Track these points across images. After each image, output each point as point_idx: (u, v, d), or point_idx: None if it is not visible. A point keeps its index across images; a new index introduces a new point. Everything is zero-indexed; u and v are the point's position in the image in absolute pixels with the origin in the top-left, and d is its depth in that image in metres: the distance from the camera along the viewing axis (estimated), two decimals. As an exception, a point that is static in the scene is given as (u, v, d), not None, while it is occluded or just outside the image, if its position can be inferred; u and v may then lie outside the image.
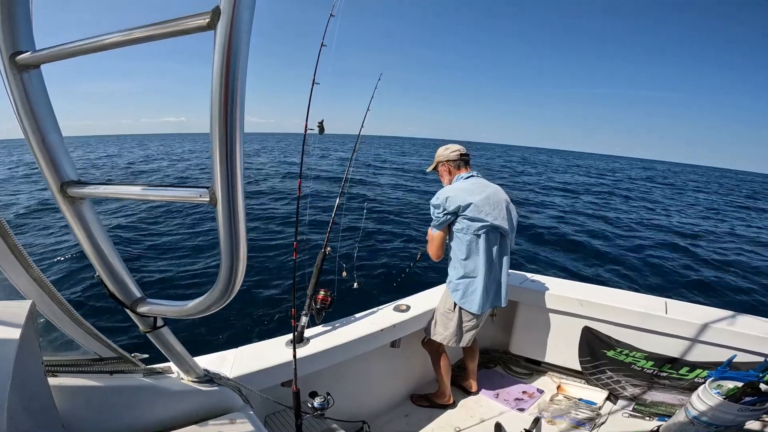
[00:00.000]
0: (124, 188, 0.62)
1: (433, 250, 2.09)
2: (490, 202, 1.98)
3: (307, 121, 1.48)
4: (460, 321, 2.10)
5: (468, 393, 2.41)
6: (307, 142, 1.68)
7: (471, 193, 1.97)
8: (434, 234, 2.06)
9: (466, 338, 2.13)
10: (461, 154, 2.10)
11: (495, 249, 2.01)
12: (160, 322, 0.92)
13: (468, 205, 1.93)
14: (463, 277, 2.03)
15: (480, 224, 1.94)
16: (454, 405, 2.28)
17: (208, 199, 0.53)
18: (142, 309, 0.80)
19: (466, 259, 2.00)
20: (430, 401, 2.32)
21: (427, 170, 2.25)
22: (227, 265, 0.59)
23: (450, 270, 2.09)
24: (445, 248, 2.11)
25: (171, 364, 1.12)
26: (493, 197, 2.01)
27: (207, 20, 0.44)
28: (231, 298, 0.65)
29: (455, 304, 2.06)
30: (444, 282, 2.19)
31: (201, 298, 0.68)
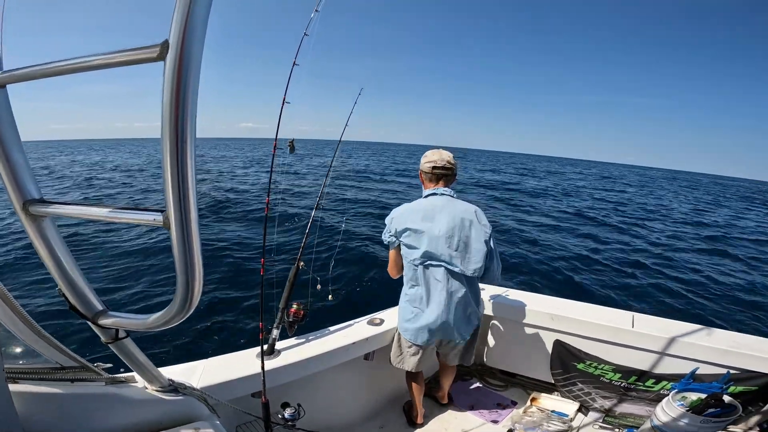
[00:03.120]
0: (83, 209, 0.66)
1: (388, 268, 2.05)
2: (430, 229, 1.80)
3: (276, 140, 1.52)
4: (400, 342, 2.07)
5: (440, 404, 2.42)
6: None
7: (414, 216, 1.83)
8: (389, 253, 2.00)
9: (410, 363, 2.03)
10: (434, 167, 1.90)
11: (436, 283, 1.86)
12: (122, 334, 0.95)
13: (404, 230, 1.84)
14: (406, 302, 1.98)
15: (414, 252, 1.83)
16: (422, 425, 2.26)
17: (161, 222, 0.55)
18: (104, 321, 0.82)
19: (408, 284, 1.95)
20: (408, 413, 2.34)
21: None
22: (183, 285, 0.62)
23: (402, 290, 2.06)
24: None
25: (135, 374, 1.15)
26: (442, 222, 1.80)
27: (157, 52, 0.47)
28: (189, 314, 0.68)
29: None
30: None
31: (160, 313, 0.70)
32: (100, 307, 0.84)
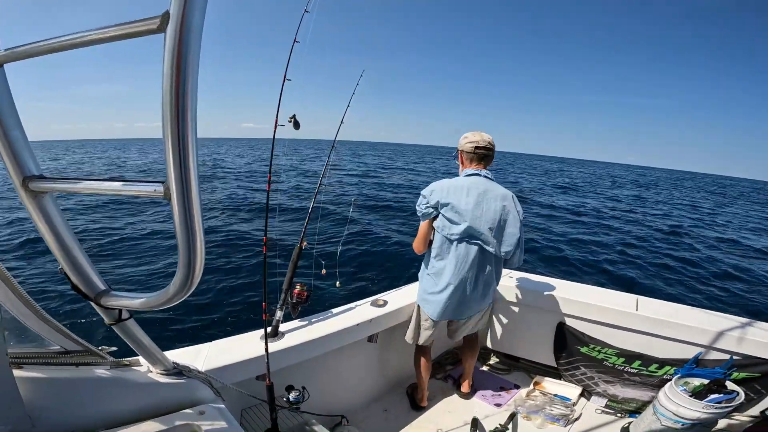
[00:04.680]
0: (83, 183, 0.64)
1: (416, 241, 2.04)
2: (474, 207, 1.85)
3: (277, 117, 1.49)
4: (419, 317, 2.10)
5: (457, 391, 2.41)
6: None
7: (457, 192, 1.87)
8: (420, 224, 2.01)
9: (423, 336, 2.10)
10: (476, 147, 1.92)
11: (467, 259, 1.91)
12: (125, 315, 0.93)
13: (446, 204, 1.87)
14: (429, 274, 2.01)
15: (453, 227, 1.87)
16: (426, 408, 2.28)
17: (162, 193, 0.55)
18: (106, 301, 0.81)
19: (436, 257, 1.97)
20: (411, 396, 2.35)
21: (452, 157, 2.11)
22: (184, 258, 0.61)
23: (423, 262, 2.09)
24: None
25: (139, 357, 1.14)
26: (485, 203, 1.86)
27: (157, 24, 0.46)
28: (191, 291, 0.67)
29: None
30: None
31: (162, 291, 0.70)
32: (102, 286, 0.82)
